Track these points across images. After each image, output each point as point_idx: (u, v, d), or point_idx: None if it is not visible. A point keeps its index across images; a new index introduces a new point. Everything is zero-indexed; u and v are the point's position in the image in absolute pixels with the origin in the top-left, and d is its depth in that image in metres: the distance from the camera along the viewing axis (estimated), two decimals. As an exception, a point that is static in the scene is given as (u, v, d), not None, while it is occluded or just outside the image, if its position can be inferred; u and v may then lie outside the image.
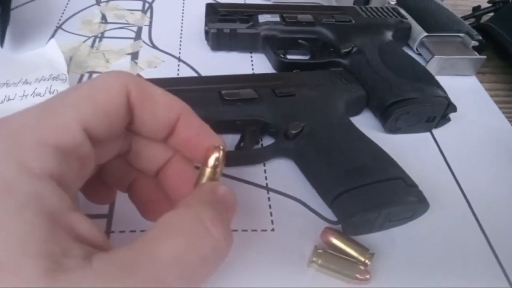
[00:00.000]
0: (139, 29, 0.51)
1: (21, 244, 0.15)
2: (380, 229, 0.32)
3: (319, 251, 0.29)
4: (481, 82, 0.49)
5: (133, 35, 0.50)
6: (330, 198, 0.32)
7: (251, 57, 0.49)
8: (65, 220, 0.17)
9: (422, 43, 0.50)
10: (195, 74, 0.46)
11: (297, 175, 0.36)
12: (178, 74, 0.45)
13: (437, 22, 0.50)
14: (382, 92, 0.40)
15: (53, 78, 0.41)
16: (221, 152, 0.24)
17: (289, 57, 0.48)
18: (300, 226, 0.33)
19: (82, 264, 0.16)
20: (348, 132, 0.36)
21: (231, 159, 0.35)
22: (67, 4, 0.54)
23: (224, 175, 0.35)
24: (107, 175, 0.26)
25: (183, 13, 0.55)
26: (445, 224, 0.34)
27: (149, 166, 0.26)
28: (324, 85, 0.40)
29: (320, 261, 0.29)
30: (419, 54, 0.51)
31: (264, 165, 0.37)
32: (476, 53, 0.49)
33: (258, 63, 0.48)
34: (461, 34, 0.50)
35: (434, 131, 0.42)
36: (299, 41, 0.48)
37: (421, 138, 0.41)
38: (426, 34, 0.49)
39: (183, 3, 0.56)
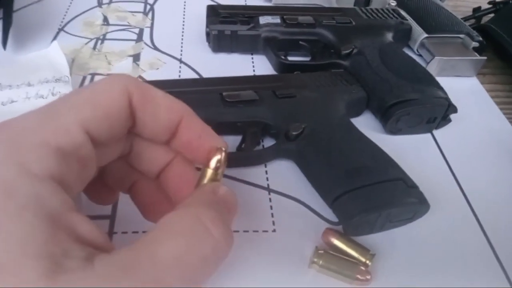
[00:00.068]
0: (141, 31, 0.51)
1: (21, 245, 0.15)
2: (381, 230, 0.32)
3: (320, 251, 0.30)
4: (482, 83, 0.49)
5: (134, 37, 0.51)
6: (330, 199, 0.32)
7: (252, 58, 0.49)
8: (66, 221, 0.17)
9: (422, 44, 0.50)
10: (196, 76, 0.46)
11: (298, 176, 0.36)
12: (179, 76, 0.46)
13: (437, 23, 0.50)
14: (383, 93, 0.40)
15: (55, 80, 0.42)
16: (223, 154, 0.24)
17: (289, 58, 0.48)
18: (301, 227, 0.33)
19: (82, 265, 0.16)
20: (349, 133, 0.36)
21: (233, 160, 0.35)
22: (69, 6, 0.54)
23: (225, 176, 0.35)
24: (108, 176, 0.26)
25: (184, 15, 0.55)
26: (446, 225, 0.34)
27: (150, 168, 0.26)
28: (325, 87, 0.40)
29: (321, 262, 0.29)
30: (420, 55, 0.51)
31: (266, 166, 0.37)
32: (476, 54, 0.49)
33: (259, 65, 0.48)
34: (461, 35, 0.50)
35: (435, 132, 0.42)
36: (300, 42, 0.48)
37: (422, 139, 0.41)
38: (426, 35, 0.49)
39: (184, 5, 0.57)
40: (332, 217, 0.33)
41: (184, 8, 0.56)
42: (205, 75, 0.46)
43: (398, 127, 0.40)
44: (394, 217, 0.32)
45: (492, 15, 0.58)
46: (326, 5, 0.57)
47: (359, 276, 0.29)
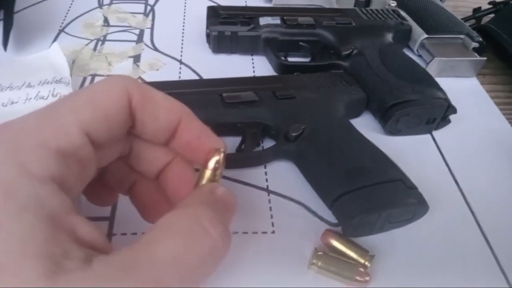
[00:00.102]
0: (141, 32, 0.52)
1: (21, 245, 0.16)
2: (380, 231, 0.32)
3: (319, 253, 0.30)
4: (482, 83, 0.49)
5: (135, 38, 0.51)
6: (330, 200, 0.32)
7: (252, 59, 0.49)
8: (66, 222, 0.17)
9: (422, 45, 0.50)
10: (196, 77, 0.46)
11: (298, 177, 0.36)
12: (179, 77, 0.46)
13: (437, 24, 0.50)
14: (382, 94, 0.40)
15: (56, 81, 0.42)
16: (222, 155, 0.24)
17: (290, 59, 0.48)
18: (301, 228, 0.33)
19: (82, 265, 0.16)
20: (348, 134, 0.36)
21: (232, 161, 0.35)
22: (70, 7, 0.54)
23: (224, 177, 0.36)
24: (108, 177, 0.26)
25: (184, 16, 0.55)
26: (445, 226, 0.34)
27: (150, 168, 0.26)
28: (325, 87, 0.40)
29: (320, 263, 0.29)
30: (420, 56, 0.51)
31: (265, 167, 0.37)
32: (476, 54, 0.49)
33: (259, 66, 0.48)
34: (461, 36, 0.50)
35: (434, 133, 0.42)
36: (300, 43, 0.48)
37: (421, 140, 0.41)
38: (426, 35, 0.49)
39: (185, 6, 0.57)
40: (332, 218, 0.33)
41: (185, 9, 0.56)
42: (205, 76, 0.46)
43: (398, 128, 0.40)
44: (394, 218, 0.32)
45: (492, 15, 0.58)
46: (326, 6, 0.57)
47: (358, 277, 0.29)
